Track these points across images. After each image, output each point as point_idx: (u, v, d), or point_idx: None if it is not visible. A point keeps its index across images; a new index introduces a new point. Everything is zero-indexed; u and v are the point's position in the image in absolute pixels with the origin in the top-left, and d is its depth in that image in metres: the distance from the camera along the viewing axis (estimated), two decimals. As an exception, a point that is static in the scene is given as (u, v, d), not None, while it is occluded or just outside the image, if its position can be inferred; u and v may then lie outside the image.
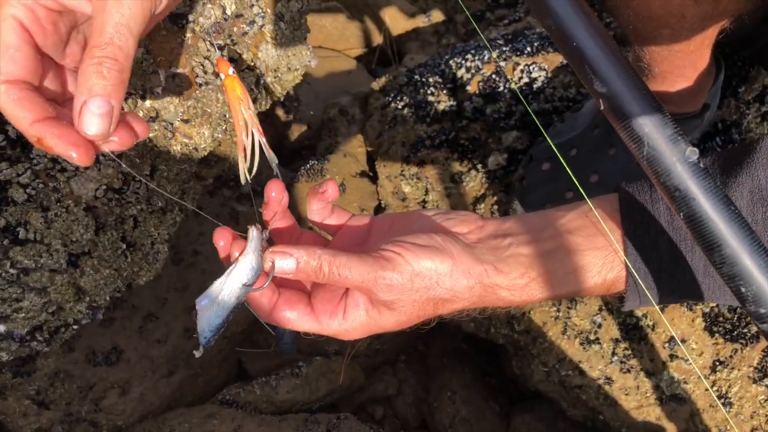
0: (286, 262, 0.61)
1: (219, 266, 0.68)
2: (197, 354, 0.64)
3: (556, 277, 0.66)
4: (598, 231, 0.66)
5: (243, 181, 0.83)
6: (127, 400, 1.23)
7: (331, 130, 1.70)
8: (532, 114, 1.07)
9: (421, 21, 2.18)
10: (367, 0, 2.15)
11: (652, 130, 0.53)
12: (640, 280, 0.65)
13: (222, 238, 0.67)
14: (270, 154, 0.74)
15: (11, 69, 0.56)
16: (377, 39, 2.17)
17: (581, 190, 0.69)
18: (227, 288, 0.62)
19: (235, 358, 1.43)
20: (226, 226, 0.68)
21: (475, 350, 1.51)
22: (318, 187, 0.71)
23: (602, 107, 0.55)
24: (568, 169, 0.72)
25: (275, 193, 0.68)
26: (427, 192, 1.34)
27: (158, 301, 1.29)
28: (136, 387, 1.24)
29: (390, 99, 1.51)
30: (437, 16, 2.19)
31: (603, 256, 0.67)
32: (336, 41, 2.12)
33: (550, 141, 0.79)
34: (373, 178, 1.57)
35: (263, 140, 0.73)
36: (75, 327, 0.99)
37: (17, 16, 0.56)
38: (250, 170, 0.73)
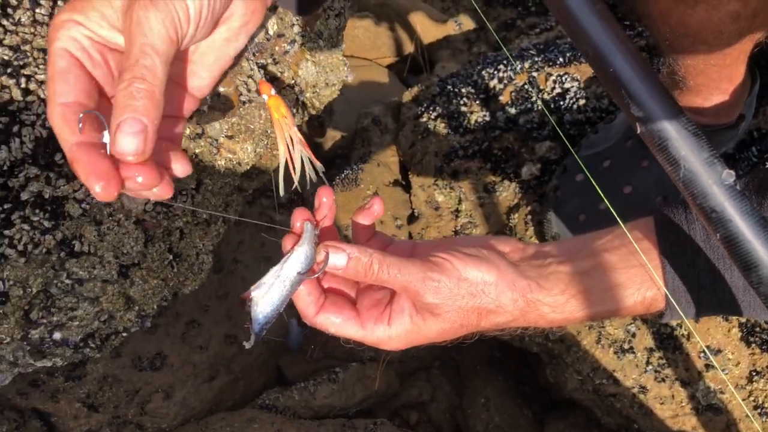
0: (339, 256, 0.62)
1: (258, 275, 0.70)
2: (248, 345, 0.65)
3: (595, 294, 0.68)
4: (634, 250, 0.68)
5: (281, 192, 0.87)
6: (170, 404, 1.28)
7: (364, 140, 1.73)
8: (558, 129, 1.09)
9: (452, 29, 2.20)
10: (398, 9, 2.17)
11: (688, 153, 0.55)
12: (678, 298, 0.66)
13: (301, 216, 0.66)
14: (317, 164, 0.77)
15: (65, 90, 0.58)
16: (408, 47, 2.19)
17: (612, 209, 0.71)
18: (282, 277, 0.63)
19: (274, 363, 1.47)
20: (304, 208, 0.68)
21: (509, 358, 1.53)
22: (364, 204, 0.73)
23: (639, 131, 0.56)
24: (596, 186, 0.74)
25: (326, 198, 0.68)
26: (460, 201, 1.36)
27: (200, 308, 1.33)
28: (179, 391, 1.29)
29: (422, 109, 1.53)
30: (468, 24, 2.20)
31: (641, 273, 0.68)
32: (368, 50, 2.15)
33: (576, 156, 0.80)
34: (407, 188, 1.59)
35: (308, 152, 0.76)
36: (124, 334, 1.03)
37: (65, 48, 0.58)
38: (291, 182, 0.76)
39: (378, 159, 1.62)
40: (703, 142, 0.55)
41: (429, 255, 0.66)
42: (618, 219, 0.70)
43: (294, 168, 0.77)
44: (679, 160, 0.55)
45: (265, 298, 0.63)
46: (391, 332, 0.66)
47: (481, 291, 0.65)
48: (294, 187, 0.86)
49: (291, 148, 0.76)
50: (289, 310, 1.40)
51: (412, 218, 1.48)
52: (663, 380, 1.17)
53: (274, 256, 1.55)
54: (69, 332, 0.96)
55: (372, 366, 1.41)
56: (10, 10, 0.77)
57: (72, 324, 0.95)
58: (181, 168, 0.64)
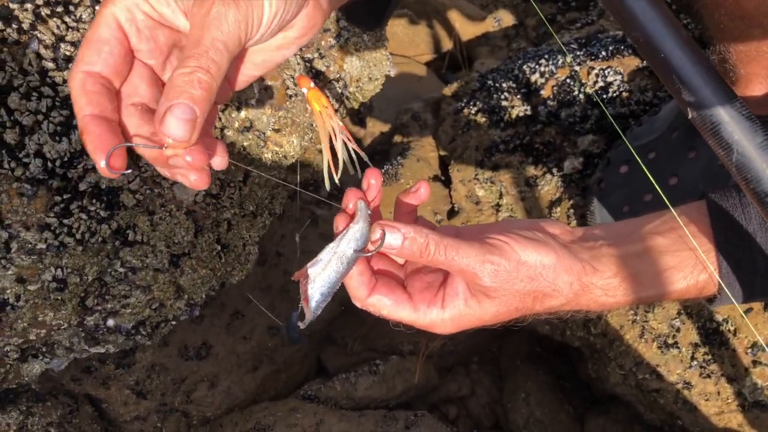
0: (394, 236, 0.61)
1: (300, 267, 0.68)
2: (302, 325, 0.64)
3: (646, 277, 0.67)
4: (683, 235, 0.67)
5: (327, 186, 0.88)
6: (215, 393, 1.31)
7: (403, 136, 1.74)
8: (609, 117, 1.08)
9: (490, 25, 2.20)
10: (436, 6, 2.18)
11: (741, 137, 0.54)
12: (731, 282, 0.66)
13: (354, 196, 0.65)
14: (361, 153, 0.78)
15: (93, 60, 0.56)
16: (447, 44, 2.19)
17: (662, 195, 0.71)
18: (338, 254, 0.63)
19: (315, 355, 1.49)
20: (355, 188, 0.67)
21: (549, 353, 1.52)
22: (410, 187, 0.72)
23: (690, 116, 0.56)
24: (647, 172, 0.73)
25: (374, 180, 0.67)
26: (501, 196, 1.36)
27: (244, 300, 1.36)
28: (224, 381, 1.32)
29: (463, 104, 1.53)
30: (507, 20, 2.20)
31: (694, 257, 0.67)
32: (406, 47, 2.16)
33: (628, 143, 0.80)
34: (446, 183, 1.60)
35: (351, 143, 0.77)
36: (173, 323, 1.07)
37: (115, 14, 0.57)
38: (337, 171, 0.77)
39: (417, 154, 1.63)
40: (756, 127, 0.54)
41: (485, 237, 0.66)
42: (668, 203, 0.70)
43: (336, 159, 0.78)
44: (732, 144, 0.55)
45: (322, 275, 0.62)
46: (445, 315, 0.66)
47: (539, 274, 0.65)
48: (339, 177, 0.87)
49: (334, 138, 0.77)
50: (292, 303, 1.41)
51: (451, 213, 1.49)
52: (708, 376, 1.15)
53: (316, 251, 1.57)
54: (122, 319, 1.00)
55: (412, 359, 1.42)
56: (71, 7, 0.81)
57: (125, 311, 0.99)
58: (219, 160, 0.63)
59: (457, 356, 1.53)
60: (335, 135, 0.83)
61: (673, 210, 0.70)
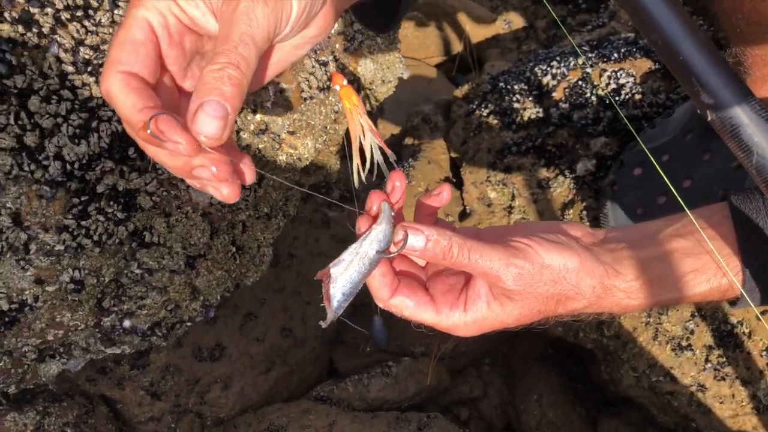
0: (417, 237, 0.61)
1: (312, 269, 0.69)
2: (324, 324, 0.64)
3: (669, 279, 0.67)
4: (710, 236, 0.67)
5: (356, 183, 0.88)
6: (229, 394, 1.31)
7: (414, 138, 1.75)
8: (623, 118, 1.08)
9: (501, 28, 2.20)
10: (446, 8, 2.18)
11: (761, 139, 0.55)
12: (751, 287, 0.65)
13: (378, 198, 0.65)
14: (388, 152, 0.78)
15: (131, 61, 0.56)
16: (457, 47, 2.20)
17: (679, 199, 0.71)
18: (361, 254, 0.62)
19: (327, 356, 1.49)
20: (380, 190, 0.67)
21: (561, 354, 1.52)
22: (432, 190, 0.72)
23: (710, 118, 0.56)
24: (663, 174, 0.73)
25: (398, 182, 0.67)
26: (513, 198, 1.36)
27: (257, 301, 1.37)
28: (237, 382, 1.32)
29: (474, 106, 1.53)
30: (517, 22, 2.20)
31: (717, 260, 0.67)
32: (416, 50, 2.17)
33: (642, 145, 0.80)
34: (457, 185, 1.60)
35: (380, 141, 0.77)
36: (189, 324, 1.07)
37: (148, 18, 0.56)
38: (365, 168, 0.77)
39: (428, 156, 1.64)
40: (776, 129, 0.54)
41: (508, 240, 0.66)
42: (685, 208, 0.69)
43: (364, 157, 0.78)
44: (751, 146, 0.55)
45: (344, 275, 0.62)
46: (467, 318, 0.66)
47: (562, 278, 0.65)
48: (365, 175, 0.87)
49: (362, 137, 0.77)
50: (371, 307, 1.41)
51: (463, 215, 1.49)
52: (723, 379, 1.15)
53: (328, 253, 1.58)
54: (138, 320, 1.00)
55: (424, 361, 1.43)
56: (91, 12, 0.82)
57: (141, 312, 0.99)
58: (248, 173, 0.63)
59: (469, 358, 1.53)
60: (364, 133, 0.83)
61: (690, 214, 0.70)
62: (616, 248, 0.69)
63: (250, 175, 0.63)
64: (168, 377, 1.27)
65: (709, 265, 0.68)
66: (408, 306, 0.66)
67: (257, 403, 1.34)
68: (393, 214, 0.65)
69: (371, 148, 0.82)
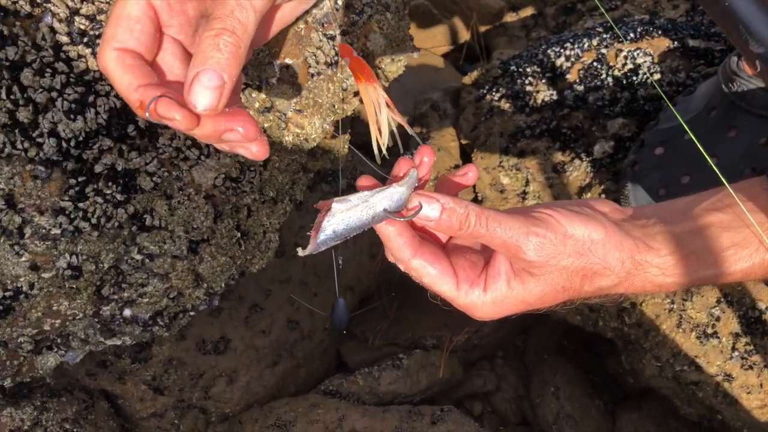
0: (432, 206, 0.57)
1: (319, 258, 0.64)
2: (302, 252, 0.60)
3: (708, 255, 0.62)
4: (751, 209, 0.62)
5: (378, 159, 0.83)
6: (234, 389, 1.27)
7: (423, 125, 1.70)
8: (657, 87, 1.03)
9: (509, 16, 2.16)
10: (453, -4, 2.14)
11: (817, 90, 0.50)
12: None
13: (407, 164, 0.62)
14: (407, 127, 0.73)
15: (126, 38, 0.55)
16: (464, 36, 2.15)
17: (714, 167, 0.66)
18: (369, 203, 0.59)
19: (334, 350, 1.45)
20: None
21: (576, 346, 1.47)
22: (458, 170, 0.67)
23: (758, 69, 0.52)
24: (699, 144, 0.68)
25: (427, 157, 0.63)
26: (527, 183, 1.31)
27: (263, 292, 1.32)
28: (243, 376, 1.28)
29: (485, 91, 1.49)
30: (526, 9, 2.16)
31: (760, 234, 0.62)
32: (423, 39, 2.13)
33: (677, 113, 0.75)
34: (468, 172, 1.55)
35: (398, 116, 0.72)
36: (192, 313, 1.03)
37: None
38: (384, 143, 0.72)
39: (438, 144, 1.59)
40: (835, 78, 0.50)
41: (531, 209, 0.61)
42: (721, 178, 0.65)
43: (380, 132, 0.73)
44: (806, 98, 0.50)
45: (344, 214, 0.59)
46: (486, 298, 0.62)
47: (587, 249, 0.60)
48: (385, 152, 0.82)
49: (378, 110, 0.72)
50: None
51: (474, 202, 1.44)
52: (750, 368, 1.10)
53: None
54: (139, 309, 0.96)
55: (436, 353, 1.38)
56: (86, -22, 0.77)
57: (142, 301, 0.95)
58: (258, 147, 0.61)
59: (482, 350, 1.48)
60: (379, 107, 0.78)
61: (728, 186, 0.65)
62: (647, 223, 0.65)
63: (259, 150, 0.60)
64: (171, 371, 1.22)
65: (750, 239, 0.63)
66: (430, 273, 0.61)
67: (263, 398, 1.30)
68: (417, 183, 0.61)
69: (388, 123, 0.77)
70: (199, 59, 0.53)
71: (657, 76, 1.25)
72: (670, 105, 0.79)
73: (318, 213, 0.61)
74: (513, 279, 0.61)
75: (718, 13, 0.52)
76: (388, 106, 0.71)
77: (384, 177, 0.64)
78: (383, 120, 0.71)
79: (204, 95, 0.53)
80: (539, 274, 0.60)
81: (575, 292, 0.62)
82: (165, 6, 0.57)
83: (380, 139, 0.71)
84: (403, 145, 0.79)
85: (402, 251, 0.61)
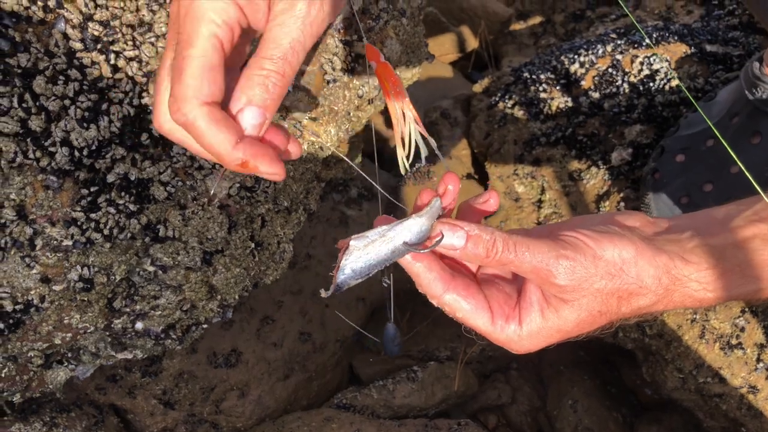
0: (456, 234, 0.56)
1: (331, 270, 0.64)
2: (324, 294, 0.59)
3: (754, 268, 0.59)
4: None
5: (402, 170, 0.81)
6: (245, 403, 1.24)
7: (433, 134, 1.68)
8: (684, 89, 1.01)
9: (517, 24, 2.14)
10: (461, 4, 2.13)
11: None
12: None
13: (429, 194, 0.61)
14: (428, 137, 0.70)
15: (212, 90, 0.54)
16: (473, 44, 2.14)
17: (746, 172, 0.63)
18: (387, 237, 0.58)
19: (347, 363, 1.42)
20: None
21: (593, 358, 1.45)
22: (478, 198, 0.65)
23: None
24: (727, 146, 0.66)
25: (452, 185, 0.62)
26: (543, 191, 1.29)
27: (274, 304, 1.30)
28: (254, 390, 1.25)
29: (497, 98, 1.47)
30: (534, 17, 2.14)
31: None
32: (432, 47, 2.10)
33: (704, 115, 0.73)
34: (480, 180, 1.53)
35: (420, 125, 0.70)
36: (205, 326, 1.00)
37: (219, 36, 0.54)
38: (409, 155, 0.70)
39: (449, 152, 1.57)
40: None
41: (558, 234, 0.59)
42: (757, 188, 0.62)
43: (405, 142, 0.70)
44: None
45: (362, 251, 0.58)
46: (522, 332, 0.59)
47: (620, 270, 0.58)
48: (410, 164, 0.80)
49: (402, 121, 0.69)
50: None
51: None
52: (776, 379, 1.07)
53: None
54: (151, 322, 0.93)
55: (450, 365, 1.35)
56: (100, -17, 0.76)
57: (154, 313, 0.93)
58: (294, 148, 0.62)
59: (496, 362, 1.45)
60: (404, 117, 0.75)
61: (764, 196, 0.62)
62: (681, 237, 0.62)
63: (295, 151, 0.62)
64: (182, 385, 1.20)
65: None
66: (463, 308, 0.59)
67: (275, 412, 1.27)
68: (441, 213, 0.60)
69: (410, 136, 0.74)
70: (245, 95, 0.54)
71: (675, 82, 1.23)
72: (698, 107, 0.77)
73: (338, 252, 0.60)
74: (546, 308, 0.59)
75: (761, 10, 0.50)
76: (415, 120, 0.69)
77: (390, 201, 0.63)
78: (407, 132, 0.69)
79: (248, 127, 0.55)
80: (572, 299, 0.58)
81: (613, 315, 0.60)
82: (230, 49, 0.56)
83: (404, 152, 0.69)
84: (427, 158, 0.77)
85: (433, 287, 0.59)
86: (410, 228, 0.58)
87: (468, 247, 0.56)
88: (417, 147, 0.70)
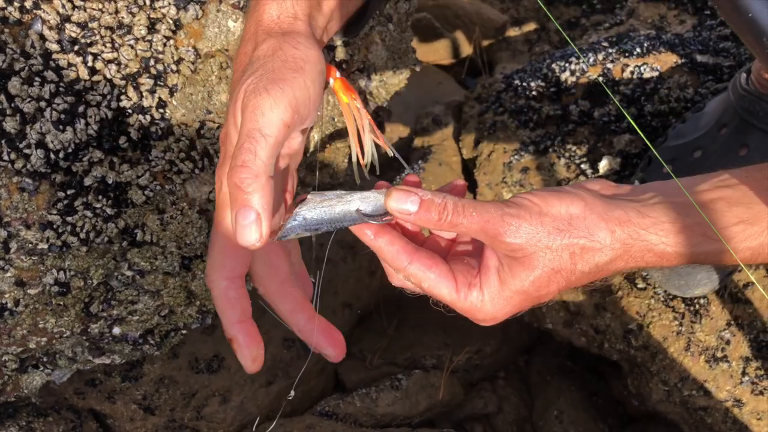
0: (410, 200, 0.57)
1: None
2: (273, 238, 0.62)
3: (718, 227, 0.58)
4: (760, 188, 0.59)
5: (358, 180, 0.82)
6: (227, 409, 1.23)
7: (424, 140, 1.67)
8: (625, 114, 1.00)
9: (512, 30, 2.14)
10: (456, 10, 2.12)
11: None
12: None
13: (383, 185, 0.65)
14: (387, 148, 0.71)
15: (235, 266, 0.63)
16: (467, 50, 2.13)
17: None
18: (343, 201, 0.60)
19: (332, 369, 1.41)
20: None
21: (580, 368, 1.44)
22: (446, 186, 0.67)
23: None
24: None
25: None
26: (531, 200, 1.28)
27: (258, 310, 1.28)
28: (236, 396, 1.24)
29: (487, 105, 1.46)
30: (529, 24, 2.14)
31: None
32: (425, 53, 2.10)
33: (658, 154, 0.72)
34: (470, 188, 1.52)
35: (380, 139, 0.71)
36: (184, 331, 0.99)
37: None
38: (366, 166, 0.71)
39: (439, 158, 1.57)
40: None
41: (509, 199, 0.61)
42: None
43: (362, 151, 0.71)
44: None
45: (318, 205, 0.61)
46: (485, 297, 0.60)
47: (568, 225, 0.58)
48: (367, 172, 0.81)
49: (361, 132, 0.70)
50: (332, 307, 1.32)
51: (477, 219, 1.41)
52: (761, 393, 1.06)
53: (334, 259, 1.50)
54: (129, 327, 0.92)
55: (436, 374, 1.34)
56: (77, -16, 0.75)
57: (132, 318, 0.91)
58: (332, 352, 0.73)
59: (483, 371, 1.44)
60: (363, 129, 0.77)
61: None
62: (642, 197, 0.62)
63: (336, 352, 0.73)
64: (162, 390, 1.19)
65: (760, 217, 0.59)
66: (429, 277, 0.61)
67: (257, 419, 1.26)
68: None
69: (370, 143, 0.76)
70: (232, 201, 0.56)
71: (665, 92, 1.23)
72: (651, 147, 0.76)
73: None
74: (502, 270, 0.60)
75: (741, 25, 0.50)
76: (372, 131, 0.70)
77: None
78: (366, 142, 0.70)
79: (246, 233, 0.55)
80: (523, 257, 0.58)
81: (569, 273, 0.60)
82: None
83: (361, 158, 0.70)
84: (397, 167, 0.77)
85: (397, 259, 0.61)
86: (367, 197, 0.61)
87: (421, 211, 0.58)
88: (365, 156, 0.72)
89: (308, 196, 0.61)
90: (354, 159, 0.80)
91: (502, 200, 0.61)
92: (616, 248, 0.59)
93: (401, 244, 0.61)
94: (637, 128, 0.92)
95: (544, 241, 0.58)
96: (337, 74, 0.78)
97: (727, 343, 1.07)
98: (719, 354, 1.08)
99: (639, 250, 0.59)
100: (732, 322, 1.08)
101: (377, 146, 0.80)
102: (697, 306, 1.10)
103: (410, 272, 0.61)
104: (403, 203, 0.57)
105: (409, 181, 0.64)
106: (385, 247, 0.60)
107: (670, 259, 0.60)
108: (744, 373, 1.07)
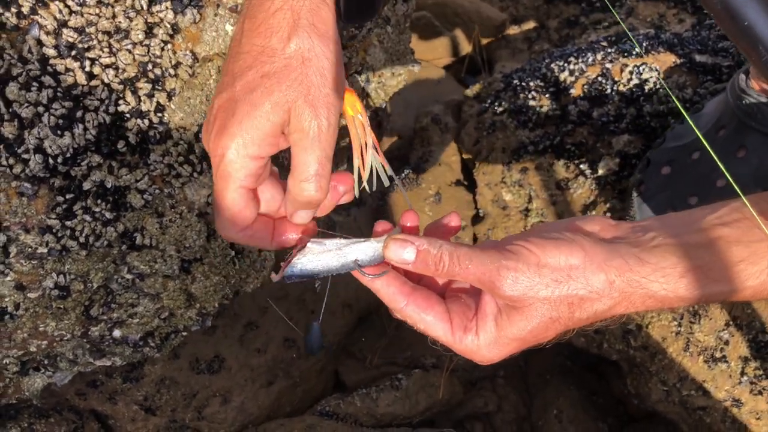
0: (407, 250, 0.59)
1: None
2: (275, 277, 0.64)
3: (719, 270, 0.58)
4: (756, 225, 0.59)
5: (357, 193, 0.81)
6: (228, 409, 1.23)
7: (423, 140, 1.67)
8: (674, 99, 1.00)
9: (511, 28, 2.13)
10: (455, 8, 2.12)
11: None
12: None
13: (383, 226, 0.66)
14: (389, 171, 0.71)
15: (243, 219, 0.63)
16: (466, 48, 2.13)
17: (729, 177, 0.63)
18: (342, 252, 0.62)
19: (332, 369, 1.41)
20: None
21: (580, 367, 1.44)
22: (441, 220, 0.67)
23: (779, 92, 0.49)
24: (716, 158, 0.65)
25: (410, 222, 0.65)
26: (530, 200, 1.28)
27: (259, 310, 1.29)
28: (237, 396, 1.24)
29: (487, 105, 1.46)
30: (528, 23, 2.13)
31: None
32: (425, 51, 2.10)
33: (694, 126, 0.72)
34: (469, 187, 1.53)
35: (381, 158, 0.71)
36: (184, 333, 1.00)
37: (244, 185, 0.61)
38: (361, 182, 0.71)
39: (439, 158, 1.57)
40: None
41: (505, 245, 0.60)
42: (738, 191, 0.61)
43: (362, 168, 0.71)
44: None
45: (316, 256, 0.62)
46: (480, 342, 0.60)
47: (567, 276, 0.57)
48: (362, 188, 0.80)
49: (364, 149, 0.70)
50: (309, 313, 1.33)
51: (476, 219, 1.41)
52: (760, 393, 1.06)
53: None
54: (129, 330, 0.93)
55: (435, 373, 1.35)
56: (75, -11, 0.75)
57: (132, 321, 0.92)
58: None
59: (483, 370, 1.44)
60: (366, 146, 0.76)
61: (743, 198, 0.61)
62: (643, 238, 0.61)
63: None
64: (163, 391, 1.19)
65: (760, 254, 0.59)
66: (424, 320, 0.61)
67: (258, 419, 1.26)
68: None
69: (372, 163, 0.75)
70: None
71: (664, 92, 1.23)
72: (688, 118, 0.76)
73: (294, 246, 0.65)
74: (500, 318, 0.60)
75: (736, 32, 0.50)
76: (375, 147, 0.70)
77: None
78: (368, 160, 0.70)
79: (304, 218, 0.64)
80: (522, 307, 0.58)
81: (567, 321, 0.59)
82: (256, 179, 0.63)
83: (363, 174, 0.70)
84: (397, 168, 0.77)
85: (394, 300, 0.62)
86: (365, 250, 0.62)
87: (418, 261, 0.59)
88: (377, 172, 0.72)
89: (309, 245, 0.63)
90: (356, 172, 0.79)
91: (500, 245, 0.61)
92: (615, 297, 0.59)
93: (398, 284, 0.62)
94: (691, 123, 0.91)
95: (542, 293, 0.58)
96: (346, 84, 0.77)
97: (726, 343, 1.08)
98: (718, 354, 1.08)
99: (639, 297, 0.59)
100: (731, 323, 1.08)
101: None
102: (696, 306, 1.10)
103: (407, 314, 0.62)
104: (400, 254, 0.59)
105: (407, 224, 0.64)
106: (382, 288, 0.62)
107: (672, 303, 0.60)
108: (743, 373, 1.07)
